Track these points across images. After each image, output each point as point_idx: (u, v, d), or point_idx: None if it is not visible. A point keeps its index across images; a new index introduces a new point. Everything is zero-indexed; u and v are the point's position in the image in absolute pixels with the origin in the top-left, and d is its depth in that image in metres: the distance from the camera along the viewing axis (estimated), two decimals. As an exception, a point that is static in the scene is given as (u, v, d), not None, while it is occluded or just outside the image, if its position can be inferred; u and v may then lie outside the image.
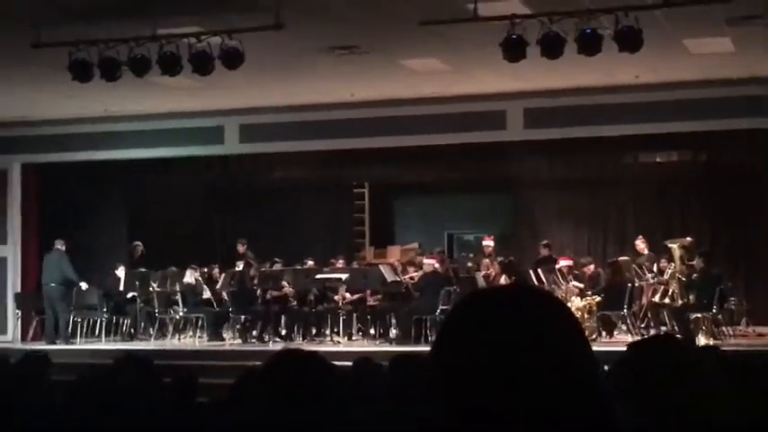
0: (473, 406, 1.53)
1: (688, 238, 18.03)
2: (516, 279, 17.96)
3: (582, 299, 17.75)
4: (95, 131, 19.92)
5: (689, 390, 2.85)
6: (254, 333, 18.58)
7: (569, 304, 16.18)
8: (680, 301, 17.21)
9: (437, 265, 18.51)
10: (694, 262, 17.48)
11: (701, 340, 16.41)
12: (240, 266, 19.37)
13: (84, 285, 19.54)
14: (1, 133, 20.47)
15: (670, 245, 17.90)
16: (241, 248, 20.65)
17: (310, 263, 20.05)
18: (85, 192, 21.33)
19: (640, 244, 19.16)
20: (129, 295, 19.57)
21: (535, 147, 18.99)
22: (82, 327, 19.57)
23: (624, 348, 3.00)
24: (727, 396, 3.17)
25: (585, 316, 17.16)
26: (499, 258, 19.58)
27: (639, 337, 11.83)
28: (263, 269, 19.44)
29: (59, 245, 19.52)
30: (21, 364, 7.88)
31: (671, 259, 17.79)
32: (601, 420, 1.56)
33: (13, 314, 20.20)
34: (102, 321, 19.36)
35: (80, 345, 18.74)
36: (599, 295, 17.65)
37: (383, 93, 17.75)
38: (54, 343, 18.51)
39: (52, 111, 19.07)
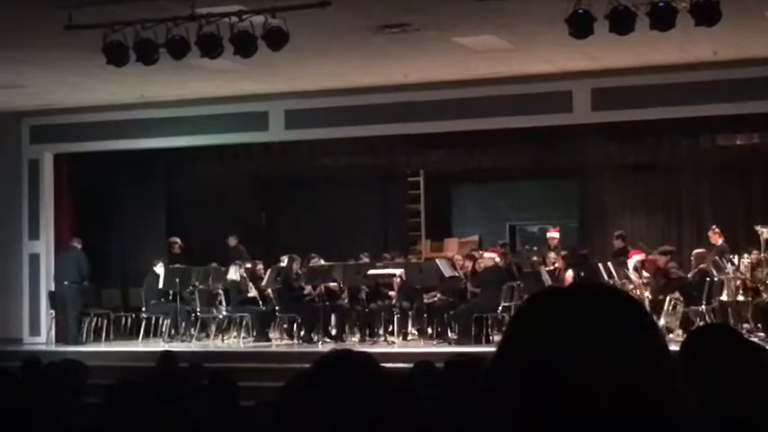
0: (541, 414, 1.52)
1: None
2: (585, 274, 17.87)
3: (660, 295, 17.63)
4: (131, 118, 20.08)
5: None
6: (302, 333, 18.66)
7: (641, 300, 16.12)
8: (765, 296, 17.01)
9: (498, 259, 18.48)
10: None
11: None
12: (284, 262, 19.38)
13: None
14: (32, 122, 20.73)
15: (760, 229, 17.66)
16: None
17: (365, 259, 20.07)
18: (121, 183, 21.57)
19: (713, 235, 18.95)
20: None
21: (604, 130, 18.90)
22: (119, 326, 19.90)
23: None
24: None
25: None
26: (563, 252, 19.50)
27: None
28: (311, 264, 19.49)
29: (77, 243, 19.82)
30: (56, 373, 7.93)
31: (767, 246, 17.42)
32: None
33: (46, 314, 20.38)
34: (141, 321, 19.62)
35: (116, 347, 18.96)
36: (676, 290, 17.53)
37: (437, 73, 17.73)
38: (76, 343, 18.81)
39: (85, 97, 19.23)
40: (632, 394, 1.51)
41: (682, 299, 17.31)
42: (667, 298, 17.36)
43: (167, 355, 10.64)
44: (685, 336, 3.15)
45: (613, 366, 1.51)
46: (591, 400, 1.50)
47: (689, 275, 17.96)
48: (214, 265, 19.78)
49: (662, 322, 16.54)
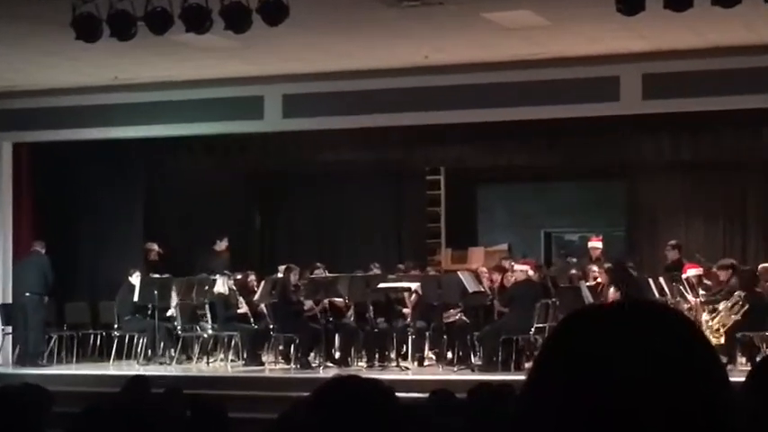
0: None
1: None
2: (630, 290, 17.85)
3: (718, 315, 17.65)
4: (104, 103, 20.12)
5: None
6: (301, 356, 18.65)
7: (698, 320, 16.14)
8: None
9: (531, 272, 18.48)
10: None
11: None
12: (281, 272, 19.39)
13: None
14: (-12, 106, 20.79)
15: None
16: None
17: (376, 270, 20.07)
18: (92, 179, 21.60)
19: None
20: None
21: (656, 122, 18.90)
22: (87, 346, 19.93)
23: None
24: None
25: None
26: (607, 265, 19.49)
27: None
28: (312, 276, 19.51)
29: (40, 247, 19.94)
30: (14, 399, 7.94)
31: None
32: None
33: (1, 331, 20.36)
34: (113, 340, 19.65)
35: (84, 369, 18.99)
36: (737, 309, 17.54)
37: (463, 54, 17.75)
38: (36, 365, 18.96)
39: (51, 78, 19.30)
40: (680, 416, 1.53)
41: (744, 303, 17.33)
42: (735, 294, 17.37)
43: (137, 379, 10.64)
44: (752, 365, 3.15)
45: (659, 386, 1.53)
46: (634, 419, 1.52)
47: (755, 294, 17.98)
48: (203, 275, 19.78)
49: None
